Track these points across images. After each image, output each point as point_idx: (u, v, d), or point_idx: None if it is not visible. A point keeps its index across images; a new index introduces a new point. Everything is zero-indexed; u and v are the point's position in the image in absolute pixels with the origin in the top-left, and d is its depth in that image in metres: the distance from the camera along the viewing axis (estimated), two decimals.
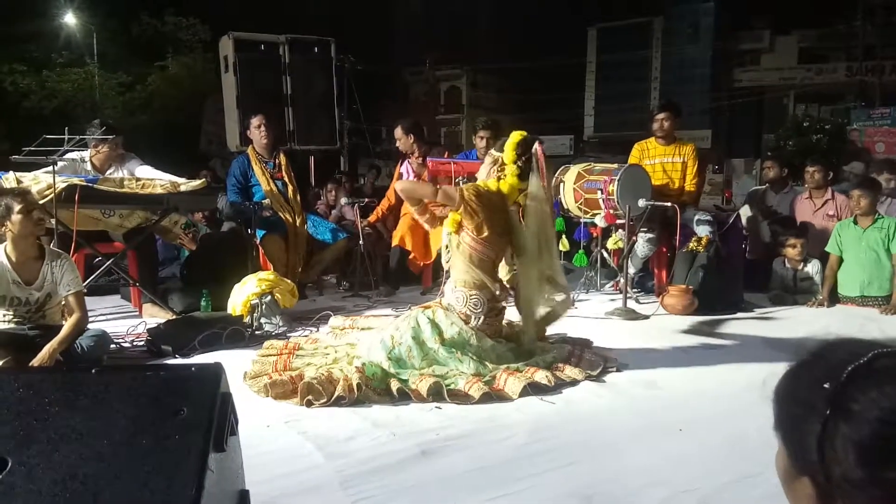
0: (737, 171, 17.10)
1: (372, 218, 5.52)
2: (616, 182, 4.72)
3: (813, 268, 5.13)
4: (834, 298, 4.97)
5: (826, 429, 0.74)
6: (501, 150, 3.36)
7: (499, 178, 3.35)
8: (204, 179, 4.45)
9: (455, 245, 3.32)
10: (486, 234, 3.24)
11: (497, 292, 3.31)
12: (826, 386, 0.75)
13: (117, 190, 4.14)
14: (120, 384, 1.31)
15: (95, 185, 4.07)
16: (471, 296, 3.26)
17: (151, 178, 4.40)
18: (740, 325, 4.38)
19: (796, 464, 0.79)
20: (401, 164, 5.59)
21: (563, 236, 5.19)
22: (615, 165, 5.04)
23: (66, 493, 1.12)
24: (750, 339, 3.98)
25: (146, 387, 1.29)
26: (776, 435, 0.83)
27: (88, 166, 4.63)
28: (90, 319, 3.94)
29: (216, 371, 1.30)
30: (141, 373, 1.35)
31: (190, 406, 1.23)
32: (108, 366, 3.17)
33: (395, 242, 5.30)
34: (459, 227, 3.29)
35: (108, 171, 4.65)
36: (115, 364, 3.42)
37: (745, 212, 6.00)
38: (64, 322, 3.32)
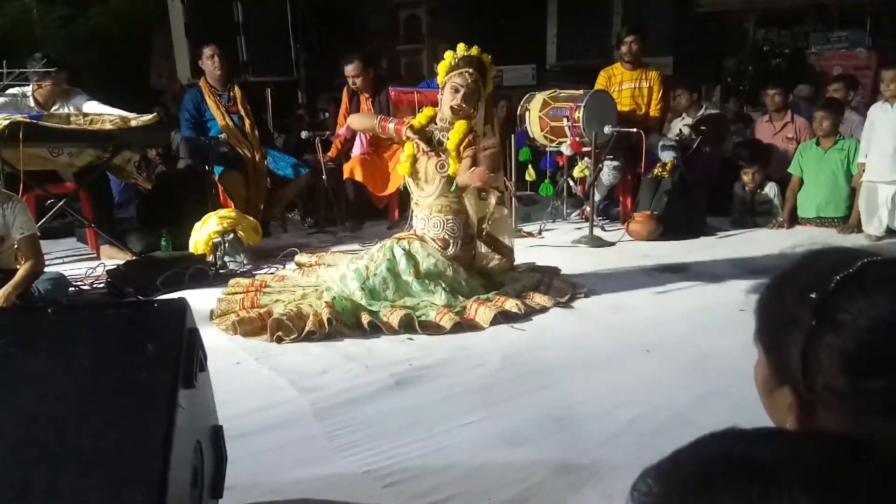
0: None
1: (332, 152, 5.36)
2: (582, 108, 4.67)
3: (771, 190, 5.21)
4: (794, 220, 5.07)
5: (811, 339, 0.72)
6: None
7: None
8: (155, 114, 4.24)
9: (439, 179, 3.23)
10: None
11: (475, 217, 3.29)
12: (813, 296, 0.73)
13: (64, 126, 3.93)
14: (81, 324, 1.25)
15: (40, 122, 3.86)
16: (448, 220, 3.24)
17: (100, 113, 4.19)
18: (703, 248, 4.45)
19: (777, 374, 0.78)
20: (350, 96, 5.34)
21: (530, 166, 5.16)
22: (581, 92, 4.96)
23: (31, 436, 1.07)
24: (712, 260, 4.05)
25: (108, 325, 1.24)
26: (756, 345, 0.82)
27: (31, 102, 4.38)
28: (46, 263, 3.81)
29: (181, 306, 1.25)
30: (102, 311, 1.30)
31: (155, 343, 1.18)
32: (66, 305, 3.07)
33: (345, 175, 5.14)
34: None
35: (54, 108, 4.42)
36: (74, 303, 3.32)
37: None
38: (19, 266, 3.20)
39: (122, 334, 1.20)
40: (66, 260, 4.42)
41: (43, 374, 1.14)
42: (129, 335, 1.20)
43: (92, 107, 4.44)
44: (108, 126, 4.03)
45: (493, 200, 3.35)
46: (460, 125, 3.17)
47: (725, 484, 0.44)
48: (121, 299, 3.42)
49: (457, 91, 3.18)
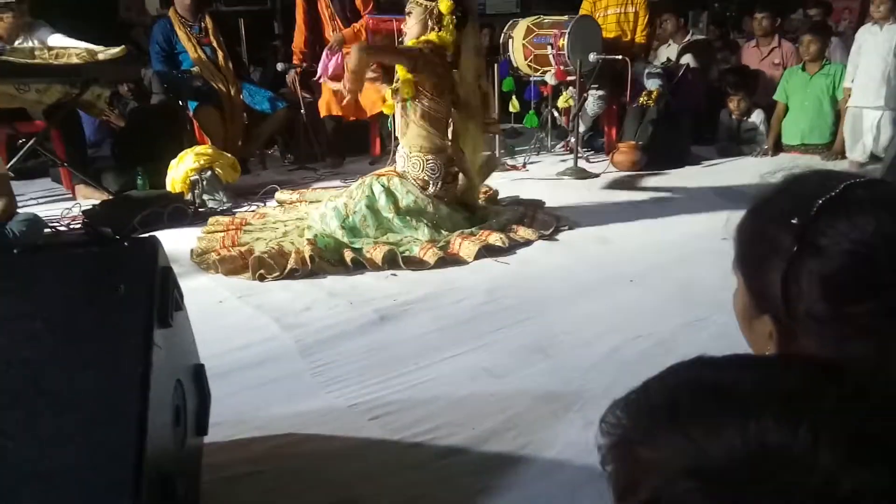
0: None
1: (295, 59, 5.05)
2: (566, 35, 4.54)
3: (757, 117, 5.16)
4: (779, 148, 5.05)
5: (792, 265, 0.71)
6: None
7: (437, 30, 3.14)
8: (123, 46, 4.07)
9: (411, 111, 3.15)
10: (443, 92, 3.13)
11: (451, 153, 3.22)
12: (794, 221, 0.71)
13: (28, 61, 3.77)
14: (49, 265, 1.21)
15: (3, 57, 3.70)
16: (427, 160, 3.17)
17: (65, 46, 4.01)
18: (688, 177, 4.44)
19: (757, 302, 0.76)
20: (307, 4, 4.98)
21: (514, 96, 5.05)
22: (566, 17, 4.82)
23: (4, 380, 1.05)
24: (697, 189, 4.04)
25: (78, 266, 1.20)
26: (735, 273, 0.80)
27: None
28: (20, 204, 3.73)
29: (152, 245, 1.22)
30: (71, 252, 1.26)
31: (127, 283, 1.15)
32: (32, 246, 3.00)
33: (323, 113, 4.96)
34: (416, 91, 3.12)
35: (17, 42, 4.22)
36: (39, 244, 3.26)
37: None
38: None
39: (92, 275, 1.17)
40: (41, 201, 4.33)
41: (12, 317, 1.11)
42: (99, 275, 1.16)
43: (57, 40, 4.25)
44: (74, 60, 3.87)
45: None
46: (412, 42, 3.11)
47: (692, 412, 0.43)
48: (99, 239, 3.36)
49: (409, 14, 3.15)
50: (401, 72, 3.09)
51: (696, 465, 0.40)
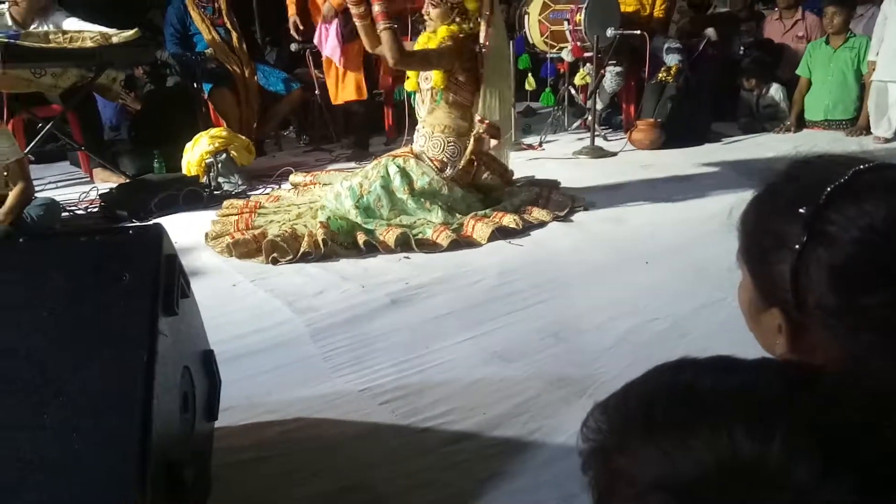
0: None
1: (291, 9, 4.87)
2: (584, 10, 4.45)
3: (777, 93, 5.03)
4: (801, 124, 4.93)
5: (801, 255, 0.68)
6: None
7: (460, 20, 3.12)
8: (137, 29, 4.06)
9: (441, 96, 3.14)
10: (471, 79, 3.15)
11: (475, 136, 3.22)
12: (802, 210, 0.68)
13: (43, 46, 3.78)
14: (53, 253, 1.22)
15: (18, 42, 3.71)
16: (449, 143, 3.15)
17: (80, 30, 4.02)
18: (707, 154, 4.36)
19: (765, 295, 0.74)
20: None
21: (530, 74, 4.98)
22: None
23: (9, 369, 1.06)
24: (716, 168, 3.97)
25: (82, 254, 1.20)
26: (740, 266, 0.77)
27: (8, 20, 4.19)
28: (39, 188, 3.77)
29: (157, 232, 1.21)
30: (75, 240, 1.25)
31: (132, 271, 1.15)
32: (37, 235, 3.03)
33: (333, 102, 4.81)
34: (448, 80, 3.13)
35: (32, 26, 4.24)
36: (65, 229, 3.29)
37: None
38: (9, 192, 3.15)
39: (96, 263, 1.17)
40: (59, 185, 4.37)
41: (18, 306, 1.11)
42: (104, 264, 1.16)
43: (72, 24, 4.26)
44: (88, 44, 3.87)
45: (482, 132, 3.27)
46: (441, 31, 3.06)
47: (666, 421, 0.41)
48: (115, 224, 3.39)
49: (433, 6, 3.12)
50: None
51: (666, 478, 0.39)
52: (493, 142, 3.34)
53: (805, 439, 0.38)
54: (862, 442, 0.38)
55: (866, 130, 4.60)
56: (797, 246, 0.67)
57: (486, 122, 3.18)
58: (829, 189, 0.66)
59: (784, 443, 0.37)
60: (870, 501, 0.36)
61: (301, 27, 4.84)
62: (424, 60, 3.13)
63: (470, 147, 3.17)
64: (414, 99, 3.39)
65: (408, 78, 3.36)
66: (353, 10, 3.11)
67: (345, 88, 4.68)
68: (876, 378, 0.50)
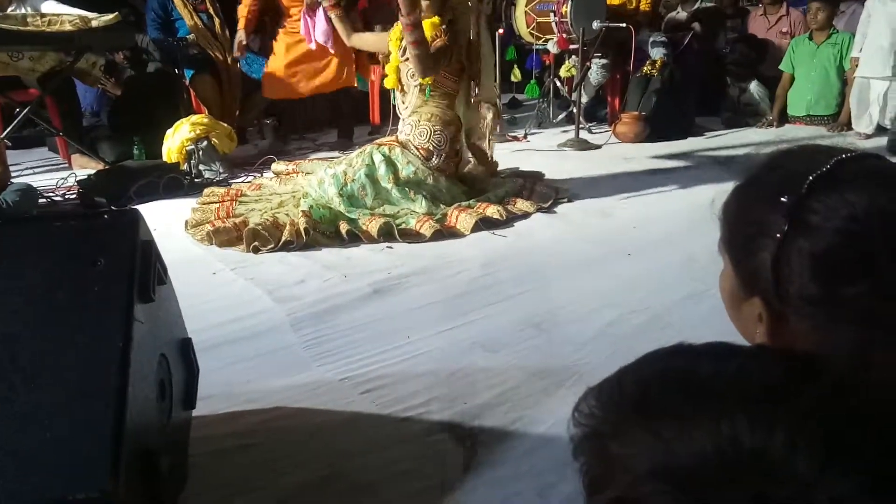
0: None
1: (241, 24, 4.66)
2: (570, 2, 4.44)
3: (757, 91, 5.07)
4: (784, 119, 4.97)
5: (783, 244, 0.67)
6: None
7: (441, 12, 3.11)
8: (117, 13, 3.99)
9: (430, 92, 3.13)
10: (459, 70, 3.17)
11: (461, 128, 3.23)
12: (784, 199, 0.68)
13: (20, 28, 3.70)
14: (27, 238, 1.19)
15: None
16: (435, 131, 3.14)
17: (58, 13, 3.94)
18: (690, 148, 4.39)
19: (746, 284, 0.73)
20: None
21: (515, 66, 4.97)
22: None
23: None
24: (699, 161, 3.99)
25: (56, 239, 1.17)
26: (722, 254, 0.77)
27: None
28: (16, 173, 3.71)
29: (133, 217, 1.19)
30: (49, 225, 1.23)
31: (107, 256, 1.13)
32: (11, 219, 2.97)
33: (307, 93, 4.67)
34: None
35: (10, 8, 4.15)
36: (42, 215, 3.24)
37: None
38: None
39: (71, 248, 1.14)
40: (37, 170, 4.30)
41: None
42: (78, 249, 1.14)
43: (50, 6, 4.17)
44: (67, 27, 3.80)
45: (489, 115, 3.28)
46: (427, 24, 3.03)
47: (663, 408, 0.40)
48: (92, 210, 3.34)
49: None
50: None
51: (665, 467, 0.38)
52: (490, 116, 3.33)
53: (808, 430, 0.37)
54: (867, 434, 0.38)
55: (848, 126, 4.64)
56: (779, 235, 0.67)
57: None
58: (811, 178, 0.66)
59: (786, 434, 0.36)
60: (874, 496, 0.36)
61: (245, 42, 4.59)
62: (438, 63, 3.08)
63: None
64: (394, 96, 3.37)
65: (386, 75, 3.33)
66: (325, 4, 3.14)
67: (324, 76, 4.57)
68: (881, 370, 0.49)
